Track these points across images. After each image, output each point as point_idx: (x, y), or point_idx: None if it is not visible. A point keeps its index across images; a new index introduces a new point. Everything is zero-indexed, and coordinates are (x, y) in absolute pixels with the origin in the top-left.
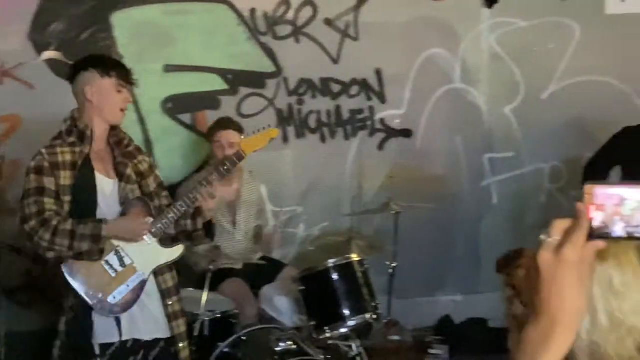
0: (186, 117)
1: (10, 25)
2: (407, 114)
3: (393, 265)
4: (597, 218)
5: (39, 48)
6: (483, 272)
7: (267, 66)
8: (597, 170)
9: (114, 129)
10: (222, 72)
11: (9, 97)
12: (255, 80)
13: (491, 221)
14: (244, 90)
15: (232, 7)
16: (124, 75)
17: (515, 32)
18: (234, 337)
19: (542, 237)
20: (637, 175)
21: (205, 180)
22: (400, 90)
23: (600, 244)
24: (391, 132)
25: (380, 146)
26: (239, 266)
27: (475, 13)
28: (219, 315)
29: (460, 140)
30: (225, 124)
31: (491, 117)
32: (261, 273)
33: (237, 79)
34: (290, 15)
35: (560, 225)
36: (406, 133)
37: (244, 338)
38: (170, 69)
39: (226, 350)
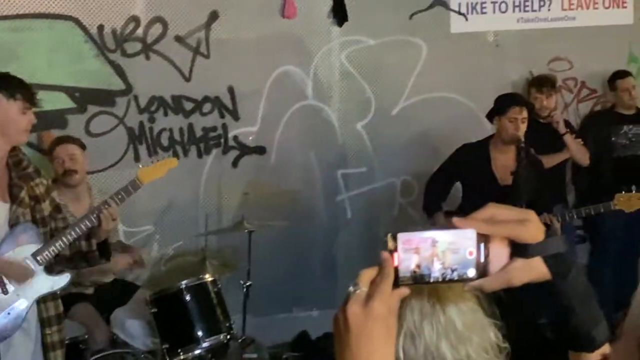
0: (31, 137)
1: None
2: (260, 131)
3: (247, 283)
4: (412, 261)
5: None
6: (339, 286)
7: (116, 84)
8: (438, 185)
9: (13, 149)
10: (68, 90)
11: None
12: (104, 98)
13: (346, 235)
14: (92, 109)
15: (79, 23)
16: (29, 97)
17: (364, 49)
18: None
19: (350, 289)
20: (476, 190)
21: (97, 208)
22: (253, 107)
23: (404, 291)
24: (245, 149)
25: (235, 163)
26: (89, 291)
27: (325, 31)
28: (68, 341)
29: (314, 156)
30: (63, 138)
31: (344, 133)
32: (112, 296)
33: (85, 97)
34: (139, 32)
35: (367, 276)
36: (260, 150)
37: None
38: None
39: None
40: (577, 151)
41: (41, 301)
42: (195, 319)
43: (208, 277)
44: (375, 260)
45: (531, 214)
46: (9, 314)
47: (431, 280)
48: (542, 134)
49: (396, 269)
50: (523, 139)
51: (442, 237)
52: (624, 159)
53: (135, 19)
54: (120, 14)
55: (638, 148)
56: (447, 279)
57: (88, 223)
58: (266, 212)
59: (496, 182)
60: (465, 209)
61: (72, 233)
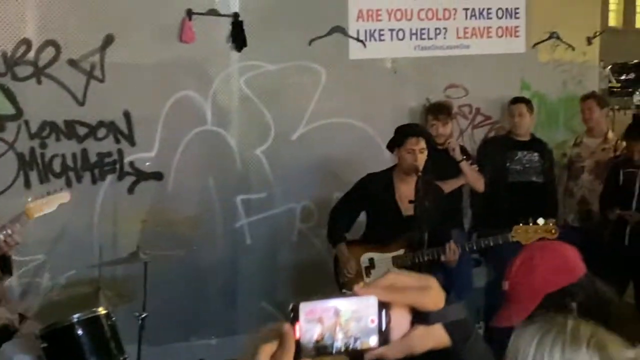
0: None
1: None
2: (158, 156)
3: (143, 315)
4: (315, 331)
5: None
6: (240, 313)
7: (6, 108)
8: (343, 215)
9: None
10: None
11: None
12: None
13: (245, 262)
14: None
15: None
16: None
17: (263, 75)
18: None
19: None
20: (380, 220)
21: None
22: (150, 132)
23: None
24: (142, 175)
25: (131, 189)
26: None
27: (224, 55)
28: None
29: (212, 182)
30: None
31: (243, 159)
32: None
33: None
34: (31, 55)
35: (267, 351)
36: (157, 175)
37: None
38: None
39: None
40: (473, 177)
41: None
42: (87, 353)
43: (101, 310)
44: (273, 285)
45: (432, 281)
46: None
47: (334, 350)
48: (439, 161)
49: (298, 342)
50: (421, 169)
51: (344, 305)
52: (518, 184)
53: (26, 42)
54: (11, 36)
55: (531, 174)
56: (350, 348)
57: None
58: (164, 239)
59: (399, 212)
60: (369, 238)
61: None
